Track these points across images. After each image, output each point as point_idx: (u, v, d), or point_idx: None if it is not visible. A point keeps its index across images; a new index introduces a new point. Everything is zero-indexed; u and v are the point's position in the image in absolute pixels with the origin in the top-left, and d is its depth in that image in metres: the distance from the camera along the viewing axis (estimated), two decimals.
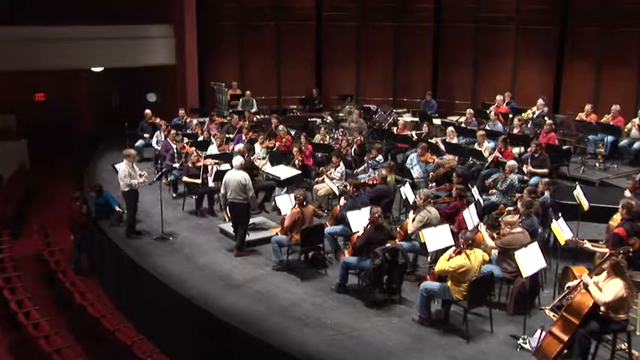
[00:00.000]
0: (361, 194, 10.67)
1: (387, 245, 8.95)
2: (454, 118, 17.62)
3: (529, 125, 15.06)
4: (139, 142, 16.26)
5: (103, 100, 21.68)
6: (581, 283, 7.35)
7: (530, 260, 7.91)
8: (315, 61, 21.78)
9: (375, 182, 11.33)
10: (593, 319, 7.17)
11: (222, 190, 10.57)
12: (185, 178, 12.66)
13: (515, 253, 7.88)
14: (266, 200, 12.60)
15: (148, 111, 16.80)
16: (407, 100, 20.55)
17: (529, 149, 12.98)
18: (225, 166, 12.73)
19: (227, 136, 15.29)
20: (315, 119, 18.20)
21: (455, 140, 14.08)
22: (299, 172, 12.73)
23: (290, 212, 10.01)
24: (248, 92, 19.26)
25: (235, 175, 10.45)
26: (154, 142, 15.67)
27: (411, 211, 9.76)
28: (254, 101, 19.22)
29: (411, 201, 11.04)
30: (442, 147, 13.67)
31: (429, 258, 9.56)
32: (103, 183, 13.10)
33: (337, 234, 10.30)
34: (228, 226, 11.14)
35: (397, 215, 11.94)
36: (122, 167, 11.28)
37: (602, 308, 7.17)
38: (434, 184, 12.19)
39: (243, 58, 21.40)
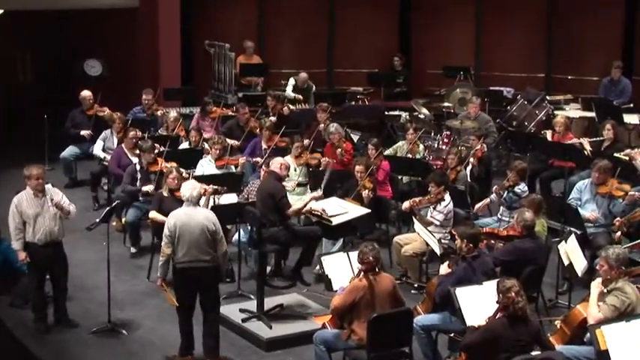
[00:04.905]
0: (483, 255, 10.65)
1: (535, 354, 8.86)
2: None
3: None
4: (69, 151, 16.61)
5: (3, 71, 22.14)
6: None
7: None
8: (398, 6, 21.96)
9: (511, 233, 11.31)
10: None
11: (164, 249, 10.50)
12: (154, 215, 12.76)
13: None
14: (305, 263, 12.56)
15: (86, 93, 17.14)
16: (572, 79, 20.72)
17: None
18: (228, 198, 12.89)
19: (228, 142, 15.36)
20: (397, 112, 18.37)
21: None
22: (366, 210, 12.76)
23: (350, 286, 10.00)
24: (304, 74, 19.49)
25: (194, 216, 10.50)
26: (96, 148, 15.93)
27: (594, 286, 9.59)
28: (313, 88, 19.48)
29: (579, 270, 10.95)
30: None
31: None
32: (0, 224, 13.28)
33: (436, 329, 10.30)
34: (234, 310, 11.28)
35: (552, 297, 11.93)
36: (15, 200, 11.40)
37: None
38: (623, 236, 12.13)
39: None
